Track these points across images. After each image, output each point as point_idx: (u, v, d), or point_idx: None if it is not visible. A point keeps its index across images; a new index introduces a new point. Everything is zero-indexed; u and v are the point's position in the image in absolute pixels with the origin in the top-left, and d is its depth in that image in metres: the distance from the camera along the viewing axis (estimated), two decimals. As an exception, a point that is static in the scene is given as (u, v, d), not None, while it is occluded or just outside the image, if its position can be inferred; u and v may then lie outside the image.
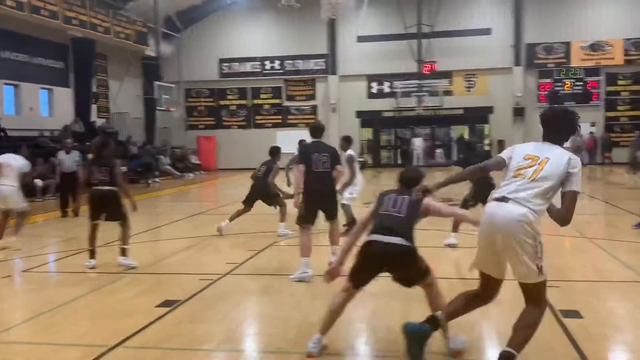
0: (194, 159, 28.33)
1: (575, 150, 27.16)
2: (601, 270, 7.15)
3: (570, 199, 3.87)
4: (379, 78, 29.32)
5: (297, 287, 6.54)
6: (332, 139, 28.37)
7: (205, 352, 4.68)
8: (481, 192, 7.26)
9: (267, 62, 30.26)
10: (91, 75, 24.26)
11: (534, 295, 3.96)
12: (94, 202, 7.64)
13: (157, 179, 23.02)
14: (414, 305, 5.71)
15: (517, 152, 4.10)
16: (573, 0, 27.51)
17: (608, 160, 26.58)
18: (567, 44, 27.86)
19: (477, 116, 28.95)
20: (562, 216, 3.92)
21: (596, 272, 7.06)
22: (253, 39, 30.27)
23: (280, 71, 30.26)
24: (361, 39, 28.77)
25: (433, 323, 4.15)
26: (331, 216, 7.29)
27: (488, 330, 5.15)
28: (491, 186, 6.57)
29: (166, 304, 5.95)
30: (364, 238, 4.59)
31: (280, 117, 30.68)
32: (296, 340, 4.81)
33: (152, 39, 26.75)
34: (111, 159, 7.81)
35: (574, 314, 5.34)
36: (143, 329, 5.21)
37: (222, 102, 31.11)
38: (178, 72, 30.60)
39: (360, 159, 27.68)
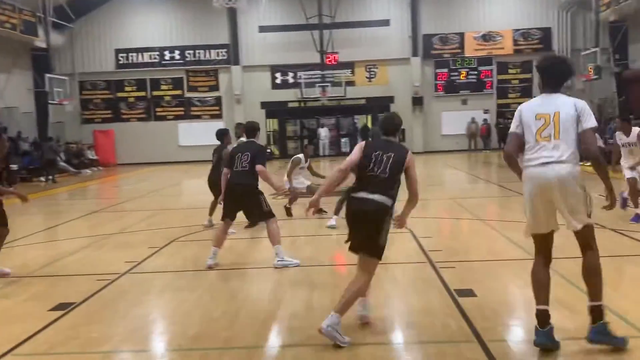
0: (91, 155, 27.13)
1: (470, 136, 28.64)
2: (494, 250, 7.51)
3: (589, 136, 4.18)
4: (283, 69, 29.31)
5: (198, 283, 6.43)
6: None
7: (103, 354, 4.49)
8: None
9: (166, 53, 29.42)
10: (-28, 67, 22.62)
11: (589, 239, 4.25)
12: None
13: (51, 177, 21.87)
14: (316, 293, 5.80)
15: (525, 113, 4.36)
16: (466, -8, 28.74)
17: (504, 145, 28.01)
18: (461, 35, 29.06)
19: (379, 106, 29.57)
20: (593, 154, 4.19)
21: (489, 252, 7.42)
22: (151, 28, 29.35)
23: (181, 62, 29.53)
24: (263, 29, 28.67)
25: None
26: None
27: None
28: None
29: (60, 307, 5.66)
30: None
31: (182, 109, 29.96)
32: (197, 337, 4.73)
33: (42, 29, 25.25)
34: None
35: (468, 293, 5.59)
36: (35, 334, 4.94)
37: (119, 95, 29.93)
38: (72, 63, 29.20)
39: (267, 151, 27.78)
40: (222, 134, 10.19)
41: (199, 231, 9.71)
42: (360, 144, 4.94)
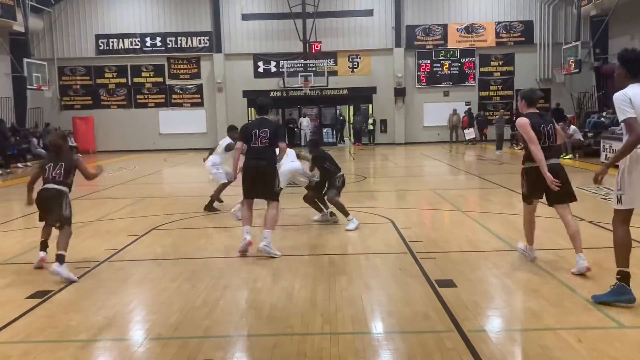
0: (70, 141, 26.73)
1: (452, 128, 28.78)
2: (474, 241, 7.55)
3: None
4: (265, 57, 29.12)
5: (178, 271, 6.38)
6: (219, 119, 28.11)
7: (81, 342, 4.43)
8: None
9: (147, 39, 29.07)
10: (-53, 50, 22.13)
11: None
12: None
13: (28, 163, 21.56)
14: (297, 283, 5.80)
15: (636, 99, 4.55)
16: (449, -16, 28.73)
17: (484, 138, 28.10)
18: (444, 26, 29.11)
19: (362, 96, 29.64)
20: None
21: (469, 243, 7.45)
22: (132, 14, 28.98)
23: (162, 49, 29.20)
24: (246, 17, 28.48)
25: None
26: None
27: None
28: None
29: (38, 294, 5.59)
30: None
31: (163, 96, 29.67)
32: (177, 326, 4.70)
33: (21, 12, 24.77)
34: None
35: (449, 283, 5.63)
36: (11, 322, 4.88)
37: (99, 81, 29.54)
38: (51, 48, 28.79)
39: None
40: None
41: (179, 219, 9.65)
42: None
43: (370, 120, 29.82)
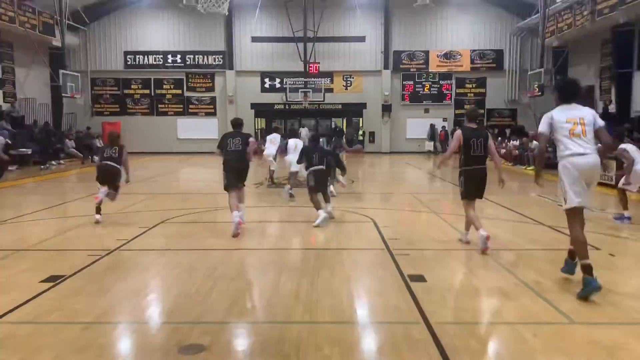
0: (99, 143, 26.41)
1: (430, 140, 28.53)
2: (445, 241, 7.31)
3: (604, 130, 4.93)
4: (271, 75, 28.88)
5: (179, 262, 6.15)
6: (229, 127, 27.72)
7: (83, 325, 4.19)
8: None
9: (169, 56, 28.79)
10: (-4, 62, 21.84)
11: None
12: None
13: (62, 162, 21.27)
14: (283, 275, 5.57)
15: (555, 118, 4.90)
16: (432, 16, 28.44)
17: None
18: (427, 53, 28.91)
19: (353, 111, 29.42)
20: (610, 145, 5.35)
21: (441, 243, 7.22)
22: (156, 34, 28.72)
23: (182, 65, 28.93)
24: (255, 39, 28.29)
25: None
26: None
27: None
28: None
29: (51, 279, 5.36)
30: None
31: (181, 106, 29.40)
32: (171, 312, 4.48)
33: (59, 30, 24.50)
34: None
35: (419, 278, 5.39)
36: (22, 304, 4.64)
37: (126, 91, 29.23)
38: (85, 62, 28.46)
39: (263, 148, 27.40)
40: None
41: (187, 214, 9.42)
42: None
43: (361, 132, 29.63)
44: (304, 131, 30.02)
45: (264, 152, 13.34)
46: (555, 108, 5.01)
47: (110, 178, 8.65)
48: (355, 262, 6.17)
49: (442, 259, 6.32)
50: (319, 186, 8.45)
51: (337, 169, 10.34)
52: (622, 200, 8.75)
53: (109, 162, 8.64)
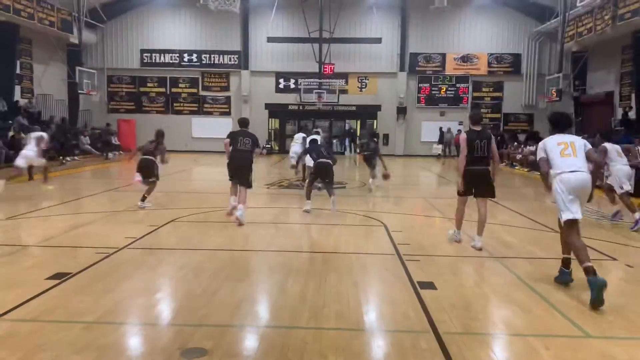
0: (114, 140, 26.60)
1: (445, 144, 28.31)
2: (457, 247, 7.17)
3: (593, 151, 5.36)
4: (286, 75, 28.82)
5: (186, 262, 6.09)
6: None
7: (85, 324, 4.14)
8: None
9: (185, 55, 28.88)
10: (15, 57, 22.02)
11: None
12: None
13: (76, 157, 21.41)
14: (290, 278, 5.48)
15: (548, 143, 5.34)
16: (449, 18, 28.21)
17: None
18: (443, 55, 28.65)
19: (368, 112, 29.23)
20: (600, 164, 5.91)
21: (452, 249, 7.08)
22: (173, 33, 28.82)
23: (197, 64, 28.99)
24: (270, 39, 28.23)
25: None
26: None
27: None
28: None
29: (57, 276, 5.33)
30: None
31: (196, 105, 29.48)
32: (175, 313, 4.41)
33: (76, 27, 24.71)
34: None
35: (429, 286, 5.27)
36: (27, 301, 4.61)
37: (142, 89, 29.37)
38: (102, 59, 28.66)
39: (268, 146, 27.41)
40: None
41: (198, 213, 9.38)
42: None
43: (375, 139, 29.24)
44: (319, 138, 29.93)
45: (290, 150, 14.75)
46: (552, 135, 5.49)
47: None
48: (364, 267, 6.06)
49: (453, 266, 6.20)
50: (320, 176, 9.71)
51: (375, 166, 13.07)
52: (629, 207, 8.81)
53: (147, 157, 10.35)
